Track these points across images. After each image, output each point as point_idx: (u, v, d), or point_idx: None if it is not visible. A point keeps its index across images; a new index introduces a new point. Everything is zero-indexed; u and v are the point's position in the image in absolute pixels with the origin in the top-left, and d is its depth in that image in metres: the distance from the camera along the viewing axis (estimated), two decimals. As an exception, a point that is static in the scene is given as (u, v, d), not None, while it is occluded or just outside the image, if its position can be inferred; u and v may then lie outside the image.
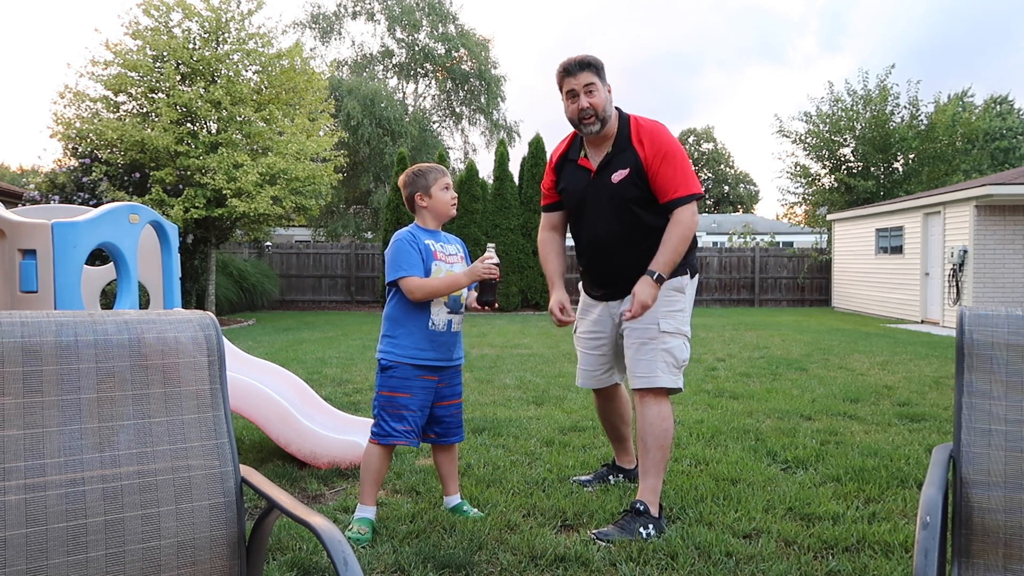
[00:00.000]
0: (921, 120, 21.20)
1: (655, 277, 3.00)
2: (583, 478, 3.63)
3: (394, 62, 30.46)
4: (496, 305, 3.08)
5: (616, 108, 3.17)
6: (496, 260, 2.97)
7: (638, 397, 3.10)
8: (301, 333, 11.71)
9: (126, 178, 12.99)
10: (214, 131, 13.38)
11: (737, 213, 56.47)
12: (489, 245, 3.02)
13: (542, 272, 16.88)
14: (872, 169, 21.12)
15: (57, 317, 1.56)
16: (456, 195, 3.14)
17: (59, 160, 14.01)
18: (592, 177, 3.17)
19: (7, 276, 3.73)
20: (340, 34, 30.18)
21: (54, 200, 12.44)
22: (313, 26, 29.71)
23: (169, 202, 12.35)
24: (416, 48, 29.74)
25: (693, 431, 4.68)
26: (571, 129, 3.24)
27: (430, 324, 3.01)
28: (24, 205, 12.46)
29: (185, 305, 13.10)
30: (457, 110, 31.56)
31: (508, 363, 7.99)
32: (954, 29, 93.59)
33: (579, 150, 3.24)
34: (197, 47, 13.17)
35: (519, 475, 3.71)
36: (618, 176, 3.09)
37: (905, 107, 21.28)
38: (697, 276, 3.29)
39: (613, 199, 3.12)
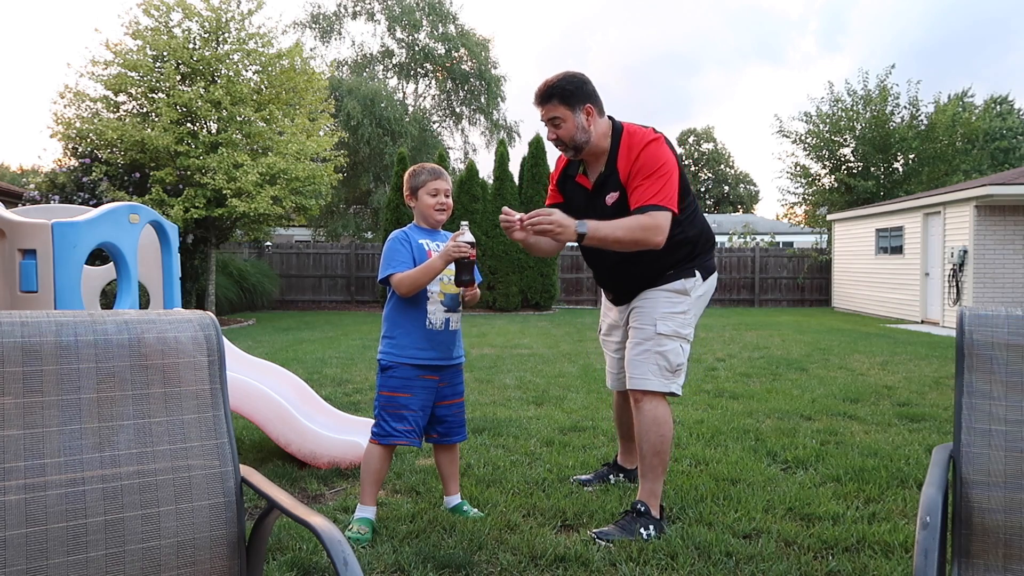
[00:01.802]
0: (921, 120, 21.22)
1: (578, 228, 2.84)
2: (583, 478, 3.63)
3: (394, 62, 30.45)
4: (475, 286, 2.97)
5: (609, 118, 3.08)
6: (468, 238, 2.87)
7: (632, 398, 3.08)
8: (301, 333, 11.71)
9: (126, 178, 12.99)
10: (214, 131, 13.38)
11: (737, 213, 56.45)
12: (463, 223, 2.94)
13: (542, 272, 16.90)
14: (872, 169, 21.13)
15: (57, 317, 1.56)
16: (446, 201, 3.05)
17: (59, 160, 14.02)
18: (589, 197, 3.12)
19: (7, 276, 3.73)
20: (340, 34, 30.17)
21: (54, 200, 12.44)
22: (313, 26, 29.70)
23: (169, 202, 12.35)
24: (416, 48, 29.73)
25: (693, 431, 4.68)
26: None
27: (427, 323, 3.01)
28: (24, 205, 12.47)
29: (185, 305, 13.10)
30: (457, 110, 31.55)
31: (508, 363, 7.99)
32: (954, 29, 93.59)
33: (577, 166, 3.17)
34: (197, 47, 13.17)
35: (519, 475, 3.71)
36: (611, 199, 3.02)
37: (905, 107, 21.31)
38: (713, 278, 3.20)
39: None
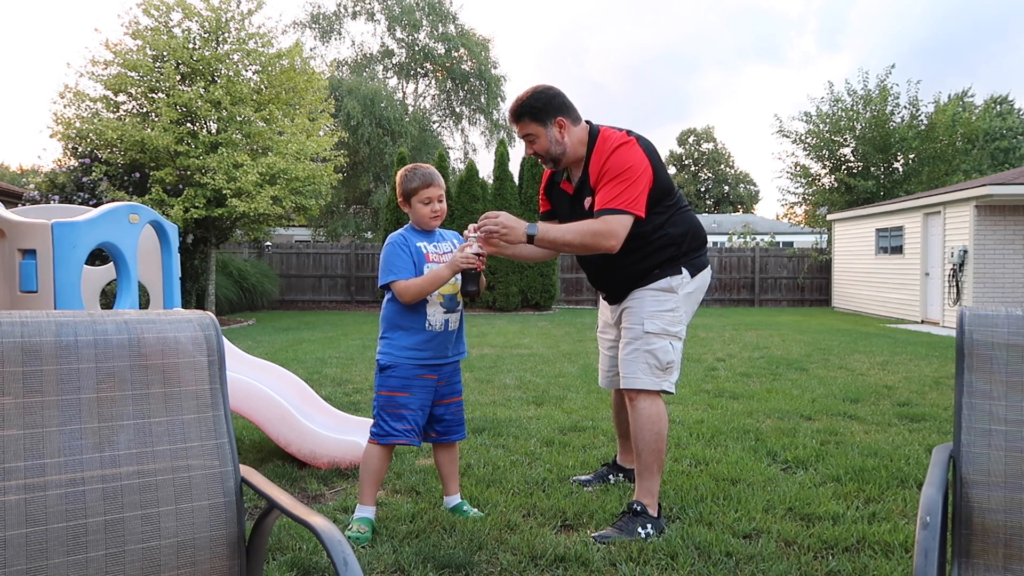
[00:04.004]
0: (921, 120, 21.22)
1: (528, 230, 2.91)
2: (583, 478, 3.63)
3: (394, 62, 30.47)
4: (479, 296, 3.00)
5: (587, 123, 3.11)
6: (475, 249, 2.89)
7: (627, 398, 3.09)
8: (301, 333, 11.71)
9: (126, 178, 12.99)
10: (214, 131, 13.38)
11: (737, 213, 56.39)
12: (472, 235, 2.94)
13: (542, 272, 16.91)
14: (872, 169, 21.13)
15: (57, 317, 1.56)
16: (440, 207, 3.03)
17: (59, 160, 14.02)
18: (572, 202, 3.18)
19: (7, 276, 3.73)
20: (340, 34, 30.20)
21: (54, 200, 12.44)
22: (313, 26, 29.72)
23: (169, 202, 12.35)
24: (416, 48, 29.75)
25: (693, 431, 4.68)
26: None
27: (427, 325, 3.00)
28: (24, 205, 12.46)
29: (185, 305, 13.10)
30: (457, 110, 31.57)
31: (508, 363, 7.99)
32: (954, 29, 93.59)
33: (562, 172, 3.24)
34: (197, 47, 13.17)
35: (519, 475, 3.71)
36: (588, 203, 3.07)
37: (905, 107, 21.31)
38: (704, 274, 3.18)
39: None
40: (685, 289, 3.11)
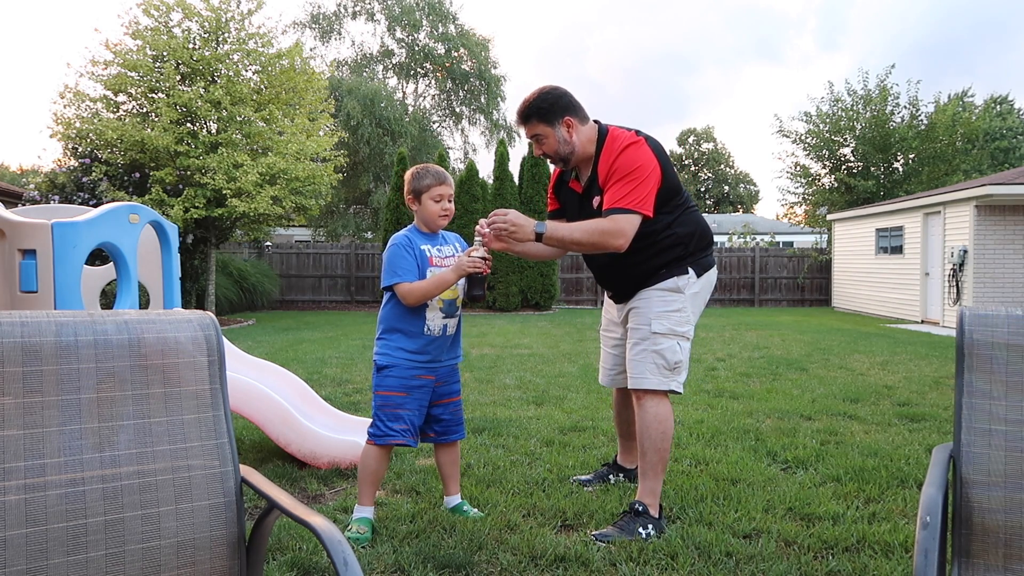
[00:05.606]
0: (921, 120, 21.23)
1: (537, 228, 2.93)
2: (583, 478, 3.63)
3: (394, 62, 30.45)
4: (484, 299, 3.02)
5: (595, 122, 3.12)
6: (482, 253, 2.90)
7: (634, 397, 3.10)
8: (301, 333, 11.71)
9: (126, 178, 12.99)
10: (214, 131, 13.38)
11: (737, 213, 56.41)
12: (477, 238, 2.94)
13: (542, 272, 16.91)
14: (872, 169, 21.14)
15: (57, 317, 1.56)
16: (450, 207, 3.04)
17: (59, 160, 14.02)
18: (580, 201, 3.19)
19: (7, 276, 3.73)
20: (340, 34, 30.17)
21: (54, 200, 12.44)
22: (313, 26, 29.70)
23: (169, 202, 12.35)
24: (416, 48, 29.74)
25: (693, 431, 4.68)
26: None
27: (425, 329, 3.00)
28: (24, 205, 12.46)
29: (185, 305, 13.10)
30: (457, 110, 31.55)
31: (508, 363, 7.98)
32: (954, 29, 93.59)
33: (571, 171, 3.25)
34: (197, 47, 13.17)
35: (519, 475, 3.71)
36: (597, 202, 3.08)
37: (905, 107, 21.32)
38: (710, 274, 3.18)
39: None
40: (691, 289, 3.12)
